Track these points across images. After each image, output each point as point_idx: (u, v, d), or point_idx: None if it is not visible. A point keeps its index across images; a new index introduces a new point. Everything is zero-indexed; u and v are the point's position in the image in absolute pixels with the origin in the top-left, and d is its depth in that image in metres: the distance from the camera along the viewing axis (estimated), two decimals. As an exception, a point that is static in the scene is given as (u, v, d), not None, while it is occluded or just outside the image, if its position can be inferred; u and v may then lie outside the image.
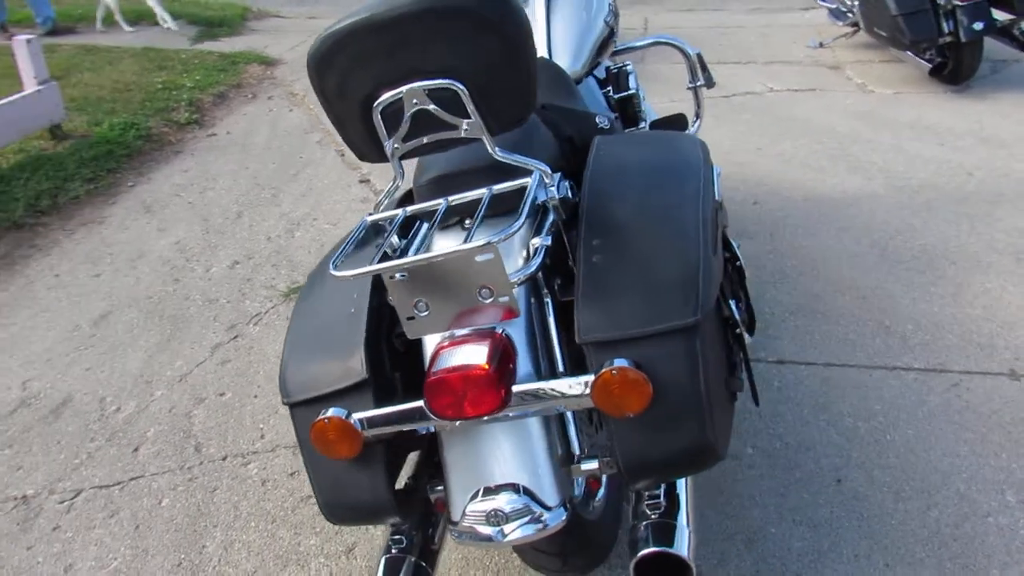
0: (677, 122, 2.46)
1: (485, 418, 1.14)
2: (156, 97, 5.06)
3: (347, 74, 1.19)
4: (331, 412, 1.18)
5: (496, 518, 1.16)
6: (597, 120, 1.68)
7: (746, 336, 1.28)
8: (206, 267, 3.01)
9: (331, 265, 1.12)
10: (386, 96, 1.18)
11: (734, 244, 1.42)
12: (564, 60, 1.97)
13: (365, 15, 1.15)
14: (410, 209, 1.25)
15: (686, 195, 1.26)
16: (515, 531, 1.15)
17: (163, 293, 2.85)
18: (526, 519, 1.15)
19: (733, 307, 1.24)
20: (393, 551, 1.30)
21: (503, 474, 1.18)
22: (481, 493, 1.18)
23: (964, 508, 1.68)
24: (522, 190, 1.22)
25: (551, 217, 1.27)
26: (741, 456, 1.86)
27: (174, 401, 2.24)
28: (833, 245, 2.76)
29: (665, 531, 1.19)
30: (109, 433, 2.13)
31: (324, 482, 1.25)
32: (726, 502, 1.74)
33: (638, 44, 2.55)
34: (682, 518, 1.21)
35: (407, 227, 1.34)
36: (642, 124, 2.18)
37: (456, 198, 1.24)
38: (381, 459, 1.22)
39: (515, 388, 1.13)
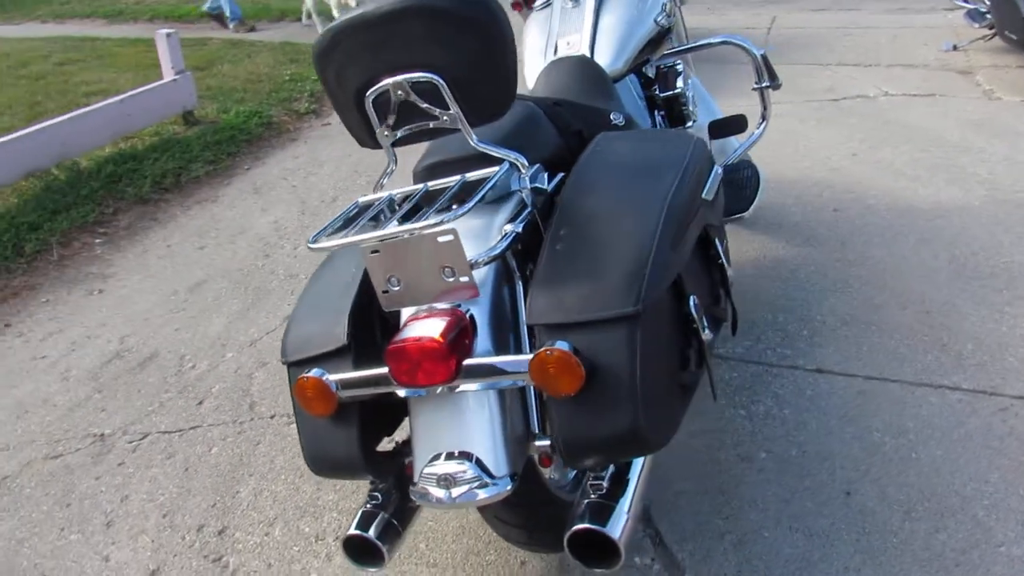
0: (735, 124, 2.43)
1: (439, 388, 1.22)
2: (282, 88, 5.45)
3: (343, 66, 1.31)
4: (310, 372, 1.31)
5: (445, 482, 1.24)
6: (612, 117, 1.72)
7: (707, 334, 1.29)
8: (294, 245, 3.25)
9: (310, 238, 1.24)
10: (375, 87, 1.30)
11: (718, 243, 1.42)
12: (605, 58, 2.01)
13: (358, 13, 1.27)
14: (395, 192, 1.36)
15: (656, 191, 1.29)
16: (460, 495, 1.23)
17: (253, 267, 3.12)
18: (472, 485, 1.23)
19: (692, 303, 1.26)
20: (369, 506, 1.41)
21: (457, 442, 1.26)
22: (436, 458, 1.26)
23: (977, 535, 1.59)
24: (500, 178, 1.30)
25: (524, 206, 1.34)
26: (754, 459, 1.85)
27: (241, 363, 2.46)
28: (908, 257, 2.63)
29: (602, 511, 1.23)
30: (181, 387, 2.38)
31: (307, 436, 1.37)
32: (726, 503, 1.74)
33: (701, 44, 2.54)
34: (624, 503, 1.25)
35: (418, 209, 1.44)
36: (689, 124, 2.18)
37: (434, 184, 1.33)
38: (356, 420, 1.33)
39: (466, 362, 1.21)
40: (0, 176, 3.59)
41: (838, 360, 2.16)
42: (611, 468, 1.29)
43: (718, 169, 1.53)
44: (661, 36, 2.18)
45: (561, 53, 2.06)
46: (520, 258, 1.35)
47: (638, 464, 1.32)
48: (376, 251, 1.23)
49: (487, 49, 1.25)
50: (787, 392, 2.06)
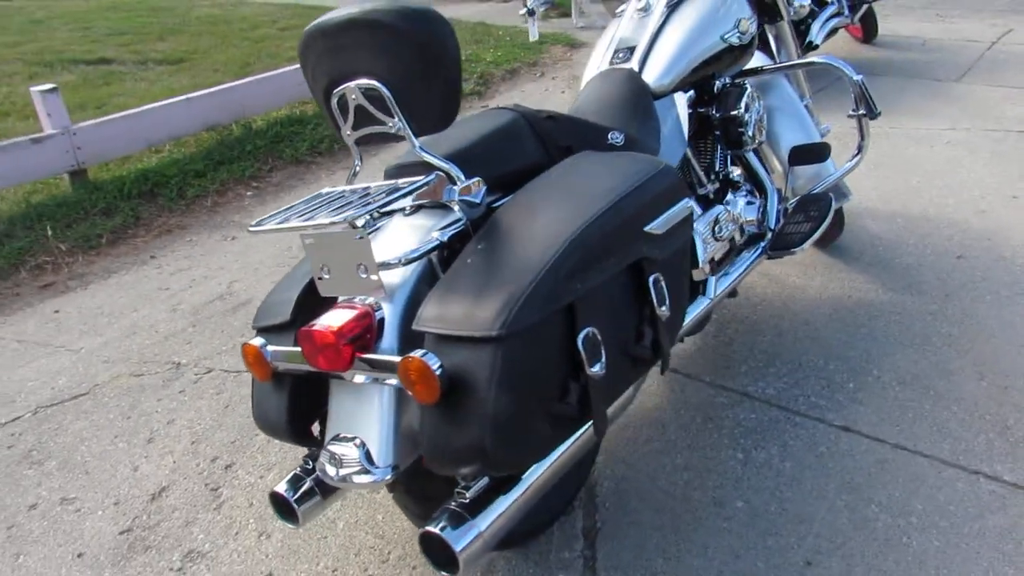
0: (816, 152, 2.27)
1: (345, 374, 1.32)
2: (456, 67, 5.71)
3: (313, 68, 1.43)
4: (252, 340, 1.45)
5: (335, 461, 1.34)
6: (609, 136, 1.69)
7: (596, 369, 1.26)
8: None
9: (254, 222, 1.38)
10: (336, 90, 1.40)
11: (653, 280, 1.38)
12: (653, 73, 1.96)
13: (317, 21, 1.38)
14: (348, 188, 1.46)
15: (573, 218, 1.28)
16: (342, 477, 1.32)
17: (361, 234, 3.37)
18: (354, 470, 1.32)
19: (584, 336, 1.24)
20: (299, 470, 1.54)
21: (352, 427, 1.35)
22: (336, 438, 1.37)
23: (929, 641, 1.43)
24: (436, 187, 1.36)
25: (453, 215, 1.39)
26: (726, 506, 1.76)
27: (310, 321, 2.70)
28: (1017, 324, 2.31)
29: (456, 519, 1.27)
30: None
31: (254, 396, 1.53)
32: (674, 543, 1.68)
33: (793, 64, 2.38)
34: (481, 520, 1.27)
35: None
36: (746, 147, 2.07)
37: (376, 185, 1.42)
38: (287, 389, 1.46)
39: (359, 356, 1.29)
40: (184, 127, 4.14)
41: (872, 421, 1.98)
42: (483, 482, 1.32)
43: (687, 202, 1.47)
44: (733, 53, 2.08)
45: (614, 63, 2.04)
46: (447, 266, 1.40)
47: (516, 489, 1.33)
48: (311, 241, 1.34)
49: (426, 63, 1.31)
50: (798, 445, 1.93)
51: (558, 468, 1.39)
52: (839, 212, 2.70)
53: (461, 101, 1.43)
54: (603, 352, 1.28)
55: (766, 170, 2.50)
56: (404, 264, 1.33)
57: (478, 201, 1.39)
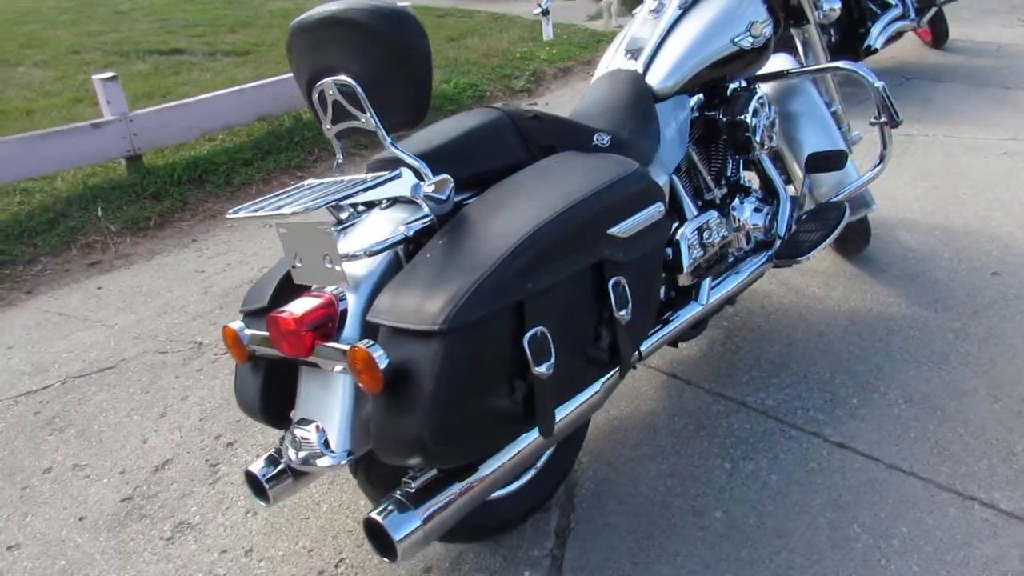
0: (832, 160, 2.20)
1: (310, 359, 1.36)
2: (510, 64, 5.75)
3: (296, 63, 1.48)
4: (232, 323, 1.51)
5: (296, 444, 1.39)
6: (595, 138, 1.69)
7: (542, 369, 1.26)
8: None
9: (232, 209, 1.43)
10: (316, 85, 1.45)
11: (613, 282, 1.37)
12: (657, 75, 1.94)
13: (300, 17, 1.42)
14: (328, 180, 1.50)
15: (536, 216, 1.29)
16: (301, 460, 1.37)
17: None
18: (310, 453, 1.36)
19: (531, 335, 1.25)
20: (275, 451, 1.59)
21: (314, 412, 1.39)
22: (300, 422, 1.41)
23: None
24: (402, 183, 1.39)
25: (419, 211, 1.41)
26: (705, 515, 1.74)
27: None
28: (1046, 345, 2.20)
29: (399, 508, 1.29)
30: (276, 318, 2.75)
31: (235, 376, 1.59)
32: (646, 549, 1.67)
33: (813, 69, 2.31)
34: (424, 509, 1.29)
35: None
36: (754, 153, 2.03)
37: (350, 178, 1.45)
38: (262, 372, 1.51)
39: (318, 344, 1.33)
40: (237, 117, 4.29)
41: (871, 439, 1.92)
42: (431, 473, 1.35)
43: (659, 207, 1.46)
44: (744, 56, 2.04)
45: (621, 63, 2.03)
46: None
47: (463, 483, 1.34)
48: (285, 231, 1.39)
49: (396, 60, 1.34)
50: (789, 458, 1.88)
51: (512, 466, 1.41)
52: (864, 221, 2.62)
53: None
54: (553, 352, 1.28)
55: (785, 176, 2.45)
56: (368, 256, 1.37)
57: (444, 198, 1.41)
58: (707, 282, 1.87)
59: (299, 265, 1.40)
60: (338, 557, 1.71)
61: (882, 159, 2.28)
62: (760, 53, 2.09)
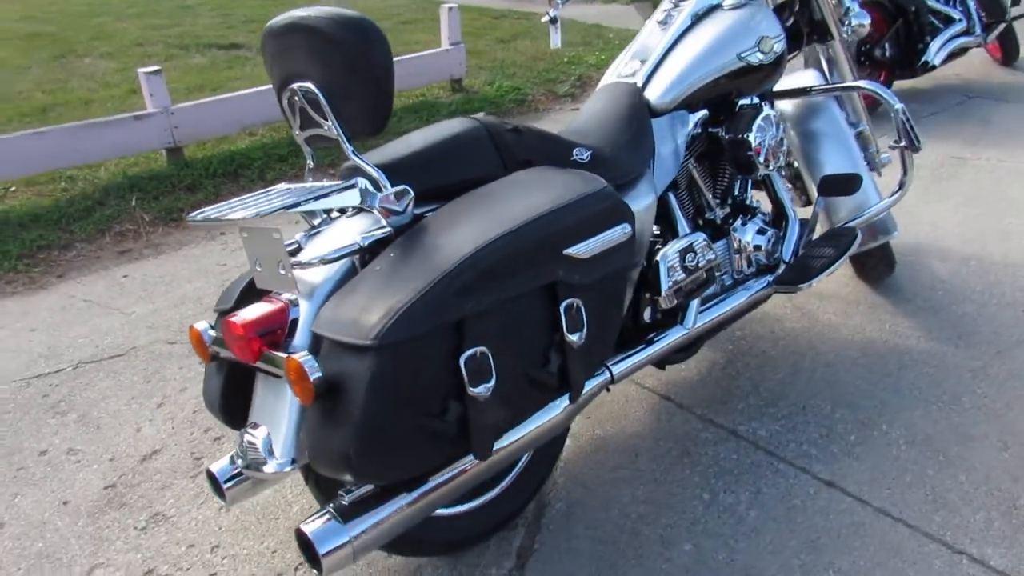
0: (845, 184, 2.11)
1: (257, 365, 1.36)
2: (555, 68, 5.71)
3: (269, 67, 1.48)
4: (197, 324, 1.52)
5: (243, 448, 1.39)
6: (574, 152, 1.64)
7: (479, 390, 1.23)
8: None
9: (194, 212, 1.44)
10: (284, 91, 1.45)
11: (566, 305, 1.33)
12: (656, 89, 1.88)
13: (269, 23, 1.42)
14: (295, 185, 1.49)
15: (486, 233, 1.26)
16: (246, 465, 1.37)
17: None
18: (255, 458, 1.36)
19: (468, 354, 1.21)
20: (234, 452, 1.60)
21: (263, 417, 1.39)
22: (251, 426, 1.41)
23: None
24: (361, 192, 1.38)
25: (373, 222, 1.39)
26: (673, 547, 1.68)
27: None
28: (1071, 390, 2.06)
29: (330, 520, 1.28)
30: (284, 315, 2.78)
31: (204, 375, 1.61)
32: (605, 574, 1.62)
33: (830, 87, 2.21)
34: (354, 524, 1.28)
35: None
36: (756, 173, 1.95)
37: (314, 184, 1.44)
38: (224, 373, 1.52)
39: (266, 350, 1.33)
40: (277, 113, 4.34)
41: (862, 480, 1.82)
42: (366, 489, 1.33)
43: (623, 229, 1.40)
44: (753, 72, 1.96)
45: (623, 74, 1.97)
46: None
47: (396, 501, 1.32)
48: (247, 235, 1.39)
49: (356, 70, 1.32)
50: (772, 493, 1.81)
51: (455, 487, 1.38)
52: (886, 248, 2.49)
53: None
54: (494, 374, 1.25)
55: (805, 198, 2.36)
56: (322, 264, 1.36)
57: (400, 209, 1.39)
58: (694, 305, 1.81)
59: (259, 270, 1.39)
60: (299, 560, 1.71)
61: (901, 186, 2.17)
62: (772, 69, 2.01)
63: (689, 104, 1.91)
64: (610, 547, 1.69)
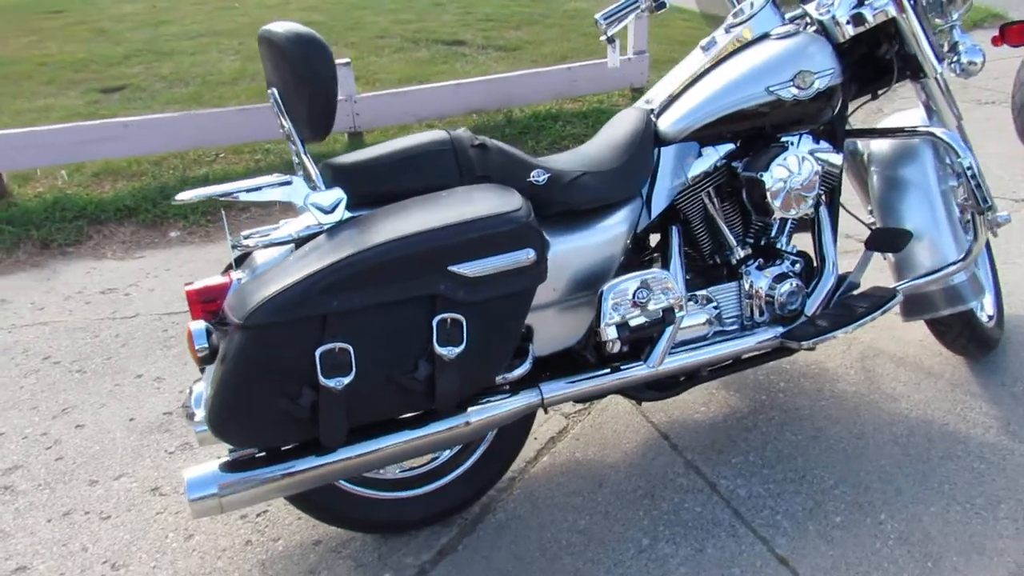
0: (891, 239, 1.89)
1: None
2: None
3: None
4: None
5: (192, 416, 1.60)
6: (533, 174, 1.65)
7: (331, 382, 1.33)
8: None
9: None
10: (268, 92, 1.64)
11: (440, 315, 1.38)
12: (668, 117, 1.82)
13: (260, 31, 1.62)
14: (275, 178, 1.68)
15: (366, 240, 1.36)
16: (183, 407, 1.59)
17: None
18: (191, 405, 1.57)
19: (323, 348, 1.32)
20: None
21: (208, 373, 1.60)
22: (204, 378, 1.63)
23: None
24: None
25: (308, 218, 1.54)
26: (583, 582, 1.66)
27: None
28: None
29: (212, 470, 1.46)
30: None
31: None
32: (503, 592, 1.65)
33: (894, 129, 1.97)
34: (226, 480, 1.45)
35: None
36: (771, 217, 1.81)
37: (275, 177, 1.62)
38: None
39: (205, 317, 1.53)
40: (452, 109, 4.67)
41: (821, 566, 1.65)
42: (249, 451, 1.49)
43: (524, 255, 1.42)
44: (786, 108, 1.82)
45: (650, 99, 1.93)
46: None
47: (263, 470, 1.47)
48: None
49: (301, 81, 1.47)
50: (714, 555, 1.70)
51: (321, 474, 1.50)
52: (967, 320, 2.14)
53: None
54: (354, 370, 1.35)
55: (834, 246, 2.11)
56: (262, 248, 1.53)
57: (329, 210, 1.52)
58: (662, 343, 1.74)
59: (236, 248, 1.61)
60: (266, 507, 1.93)
61: (967, 253, 1.89)
62: (815, 106, 1.84)
63: (705, 135, 1.82)
64: (523, 566, 1.71)
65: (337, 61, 4.22)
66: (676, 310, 1.69)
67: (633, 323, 1.66)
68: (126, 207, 3.89)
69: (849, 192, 2.37)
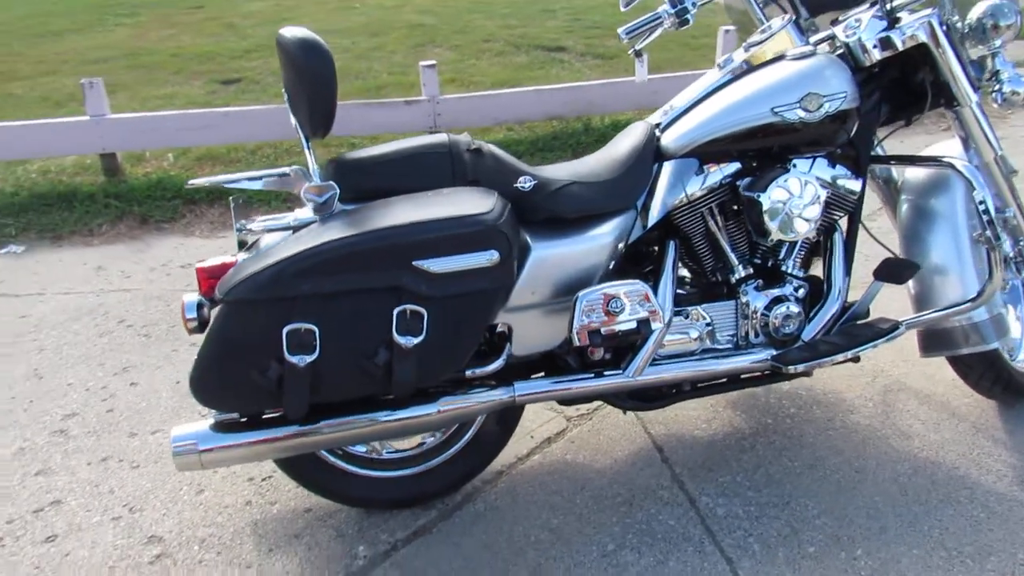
0: (899, 271, 1.83)
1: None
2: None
3: (288, 74, 1.83)
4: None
5: None
6: (520, 180, 1.71)
7: (296, 359, 1.45)
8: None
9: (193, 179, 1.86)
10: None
11: (401, 307, 1.47)
12: (672, 133, 1.85)
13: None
14: (285, 168, 1.83)
15: (347, 231, 1.48)
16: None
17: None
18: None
19: (290, 326, 1.44)
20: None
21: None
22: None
23: None
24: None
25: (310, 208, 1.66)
26: (540, 578, 1.71)
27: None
28: None
29: (202, 428, 1.61)
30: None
31: None
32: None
33: (910, 156, 1.90)
34: (209, 439, 1.60)
35: None
36: (768, 239, 1.80)
37: (283, 169, 1.76)
38: None
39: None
40: (532, 113, 4.77)
41: (781, 592, 1.64)
42: (231, 416, 1.63)
43: (488, 256, 1.49)
44: (792, 130, 1.80)
45: (659, 115, 1.96)
46: None
47: (243, 435, 1.61)
48: (236, 202, 1.78)
49: (304, 82, 1.60)
50: (675, 569, 1.71)
51: (295, 444, 1.62)
52: (991, 361, 2.03)
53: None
54: (318, 349, 1.47)
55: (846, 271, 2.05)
56: (264, 232, 1.68)
57: (322, 201, 1.64)
58: (642, 354, 1.76)
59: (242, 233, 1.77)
60: (271, 473, 2.08)
61: (980, 293, 1.80)
62: (823, 129, 1.81)
63: (708, 151, 1.83)
64: (489, 555, 1.78)
65: (423, 63, 4.44)
66: (653, 322, 1.71)
67: (605, 331, 1.70)
68: (217, 190, 4.20)
69: (884, 219, 2.31)
